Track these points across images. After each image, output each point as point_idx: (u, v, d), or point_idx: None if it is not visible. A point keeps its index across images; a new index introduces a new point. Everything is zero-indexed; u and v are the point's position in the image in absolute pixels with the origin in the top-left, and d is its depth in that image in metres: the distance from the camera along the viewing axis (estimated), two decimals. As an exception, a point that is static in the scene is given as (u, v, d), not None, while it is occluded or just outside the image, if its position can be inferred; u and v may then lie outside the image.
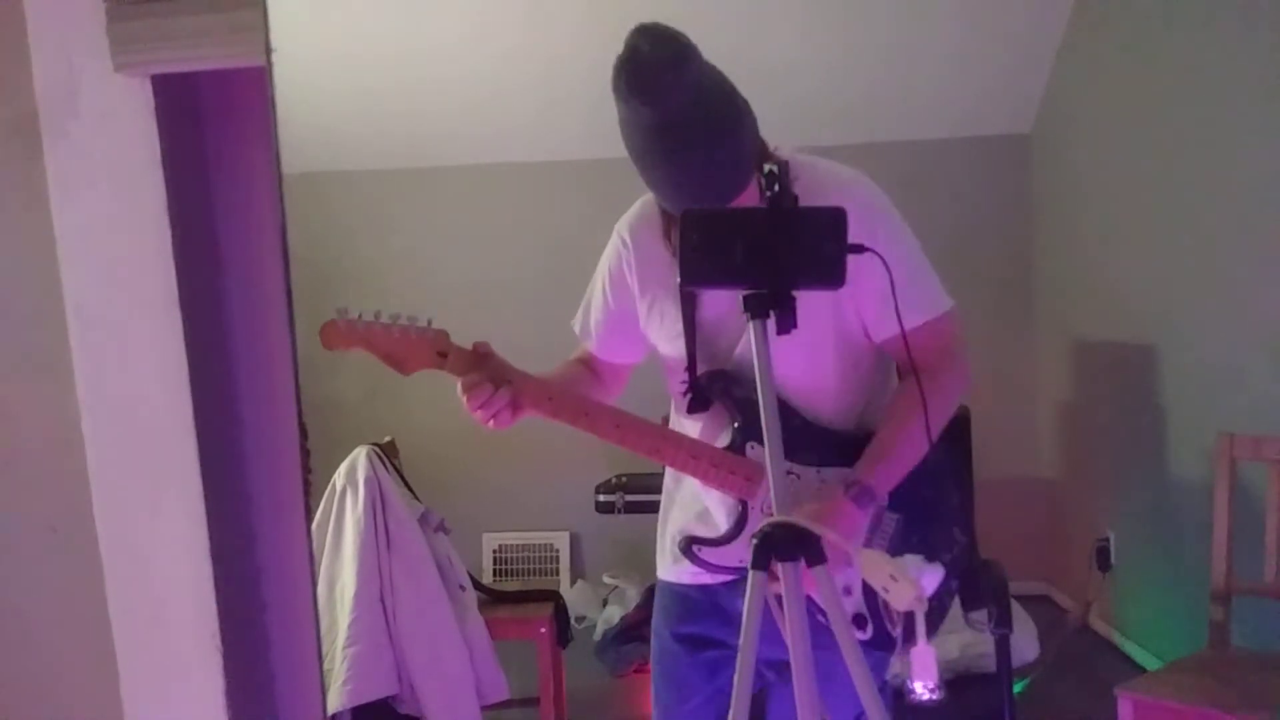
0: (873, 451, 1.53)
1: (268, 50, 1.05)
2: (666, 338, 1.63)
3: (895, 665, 1.60)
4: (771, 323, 1.24)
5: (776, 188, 1.27)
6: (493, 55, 4.06)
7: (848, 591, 1.54)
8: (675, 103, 1.39)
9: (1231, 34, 2.91)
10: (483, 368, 1.52)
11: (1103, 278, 3.83)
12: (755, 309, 1.25)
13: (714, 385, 1.58)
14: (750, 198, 1.45)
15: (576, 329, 1.77)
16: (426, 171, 4.61)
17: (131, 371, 1.13)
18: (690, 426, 1.64)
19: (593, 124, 3.69)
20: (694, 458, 1.55)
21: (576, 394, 1.60)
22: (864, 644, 1.52)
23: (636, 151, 1.46)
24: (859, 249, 1.28)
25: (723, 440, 1.58)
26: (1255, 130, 2.81)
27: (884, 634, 1.54)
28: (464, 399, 1.52)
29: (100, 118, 1.10)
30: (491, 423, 1.53)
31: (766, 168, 1.29)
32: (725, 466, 1.54)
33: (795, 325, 1.24)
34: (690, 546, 1.56)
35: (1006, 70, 4.12)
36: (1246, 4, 2.84)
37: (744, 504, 1.55)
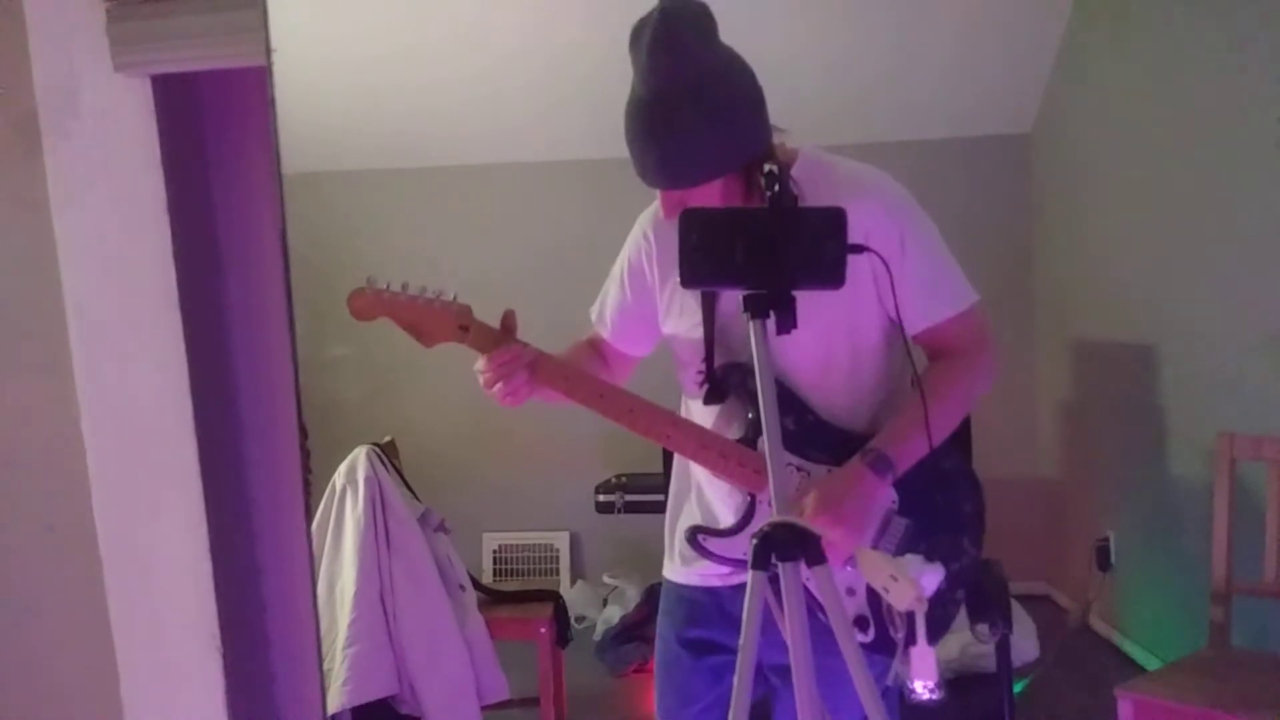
0: (894, 425, 1.53)
1: (268, 50, 1.05)
2: (685, 329, 1.64)
3: (894, 665, 1.60)
4: (771, 322, 1.25)
5: (776, 188, 1.27)
6: (493, 55, 4.06)
7: (851, 593, 1.54)
8: (671, 68, 1.40)
9: (1231, 33, 2.91)
10: (504, 342, 1.54)
11: (1103, 278, 3.83)
12: (755, 309, 1.25)
13: (730, 377, 1.58)
14: (713, 191, 1.45)
15: (593, 315, 1.78)
16: (426, 171, 4.61)
17: (131, 371, 1.13)
18: (705, 417, 1.64)
19: (593, 124, 3.69)
20: (704, 447, 1.55)
21: (592, 375, 1.61)
22: (865, 647, 1.51)
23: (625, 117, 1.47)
24: (858, 249, 1.28)
25: (735, 432, 1.58)
26: (1255, 129, 2.80)
27: (886, 637, 1.54)
28: (482, 375, 1.53)
29: (100, 118, 1.10)
30: (508, 399, 1.54)
31: (766, 168, 1.29)
32: (734, 458, 1.54)
33: (795, 325, 1.24)
34: (696, 536, 1.56)
35: (1006, 70, 4.12)
36: (1246, 3, 2.84)
37: (752, 497, 1.55)
